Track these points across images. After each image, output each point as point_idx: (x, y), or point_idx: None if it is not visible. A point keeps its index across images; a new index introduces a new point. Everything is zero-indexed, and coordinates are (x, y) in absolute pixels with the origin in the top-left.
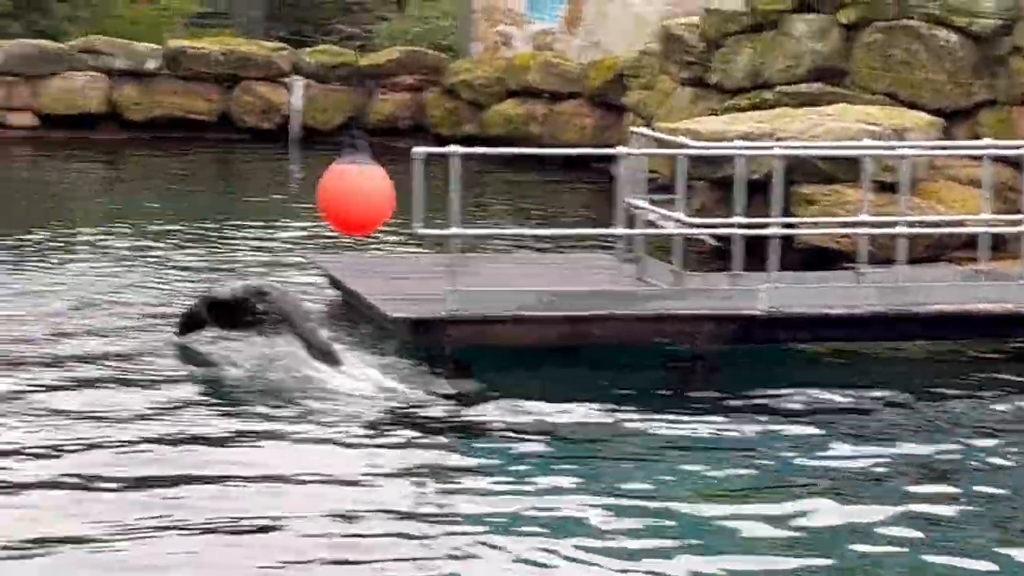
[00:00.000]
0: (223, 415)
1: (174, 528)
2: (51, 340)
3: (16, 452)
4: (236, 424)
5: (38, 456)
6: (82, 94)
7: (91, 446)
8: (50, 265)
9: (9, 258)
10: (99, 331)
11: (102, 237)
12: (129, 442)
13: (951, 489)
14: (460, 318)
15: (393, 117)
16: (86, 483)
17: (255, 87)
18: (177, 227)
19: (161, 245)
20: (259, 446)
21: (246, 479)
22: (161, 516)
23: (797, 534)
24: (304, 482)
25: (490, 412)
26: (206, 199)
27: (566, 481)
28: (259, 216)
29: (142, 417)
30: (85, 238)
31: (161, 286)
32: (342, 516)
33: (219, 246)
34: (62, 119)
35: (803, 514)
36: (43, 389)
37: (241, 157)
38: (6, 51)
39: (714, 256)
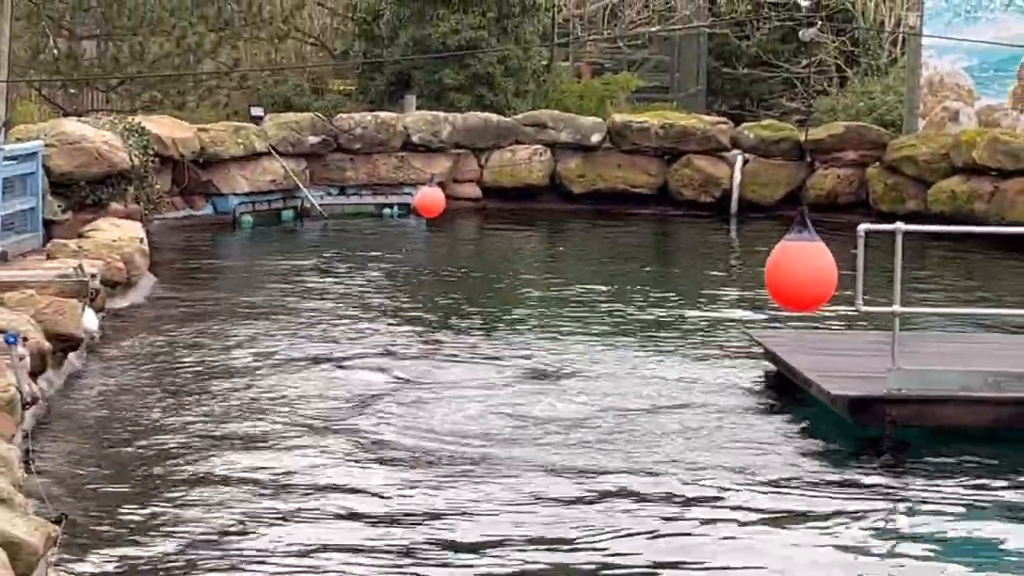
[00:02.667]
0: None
1: None
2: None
3: None
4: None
5: None
6: (527, 167)
7: None
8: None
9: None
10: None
11: (545, 306)
12: None
13: None
14: (901, 397)
15: (834, 192)
16: None
17: (695, 160)
18: (615, 297)
19: (597, 315)
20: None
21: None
22: None
23: None
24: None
25: (922, 494)
26: (644, 270)
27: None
28: (698, 288)
29: None
30: (526, 310)
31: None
32: None
33: (654, 315)
34: (506, 191)
35: None
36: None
37: (680, 230)
38: (455, 124)
39: None
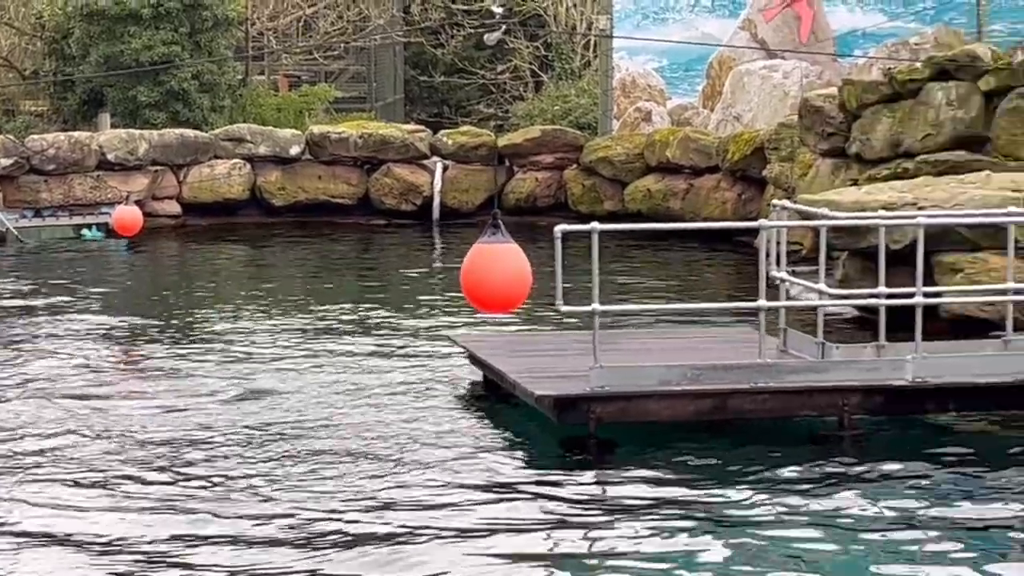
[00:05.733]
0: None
1: None
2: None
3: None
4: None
5: None
6: (226, 181)
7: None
8: (202, 348)
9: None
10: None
11: (249, 322)
12: None
13: None
14: (604, 394)
15: (533, 196)
16: None
17: (395, 169)
18: (320, 309)
19: (303, 327)
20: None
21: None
22: None
23: None
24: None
25: (632, 488)
26: (348, 280)
27: (709, 555)
28: (401, 296)
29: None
30: (232, 324)
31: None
32: None
33: (359, 326)
34: (207, 206)
35: None
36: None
37: (383, 239)
38: (151, 141)
39: (857, 326)
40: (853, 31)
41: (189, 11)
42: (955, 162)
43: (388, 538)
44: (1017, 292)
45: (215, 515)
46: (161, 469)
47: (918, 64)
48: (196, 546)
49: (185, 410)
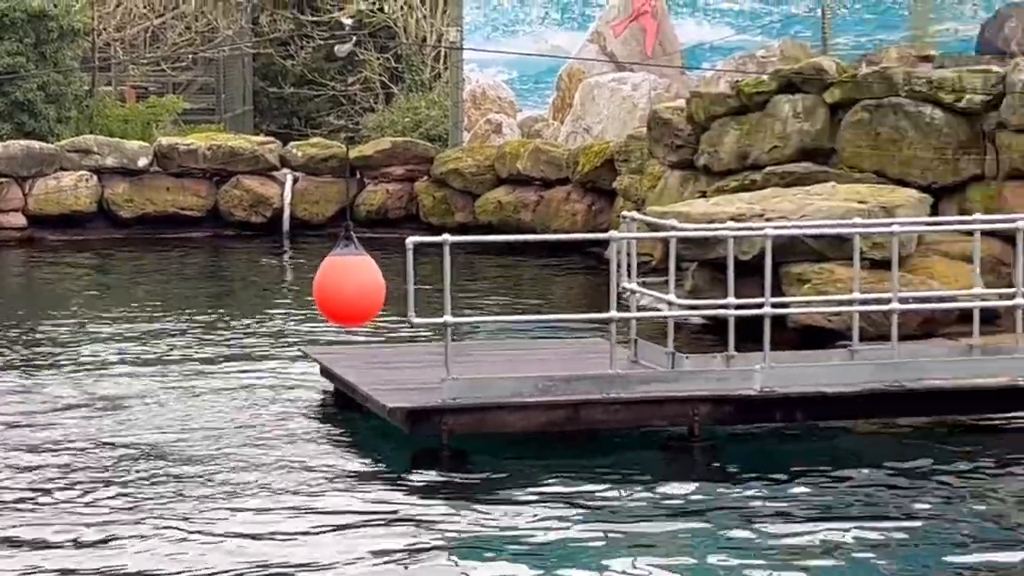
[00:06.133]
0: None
1: None
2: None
3: None
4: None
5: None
6: (73, 193)
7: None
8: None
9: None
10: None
11: (97, 335)
12: None
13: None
14: (457, 406)
15: (384, 207)
16: None
17: (244, 181)
18: (169, 322)
19: (153, 340)
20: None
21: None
22: None
23: None
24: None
25: (485, 499)
26: (198, 293)
27: (559, 566)
28: (252, 308)
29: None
30: (78, 336)
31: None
32: None
33: (211, 339)
34: (53, 219)
35: None
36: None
37: (233, 251)
38: None
39: (708, 337)
40: (701, 44)
41: (34, 22)
42: (802, 174)
43: (235, 551)
44: (863, 302)
45: (36, 540)
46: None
47: (765, 77)
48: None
49: (31, 426)
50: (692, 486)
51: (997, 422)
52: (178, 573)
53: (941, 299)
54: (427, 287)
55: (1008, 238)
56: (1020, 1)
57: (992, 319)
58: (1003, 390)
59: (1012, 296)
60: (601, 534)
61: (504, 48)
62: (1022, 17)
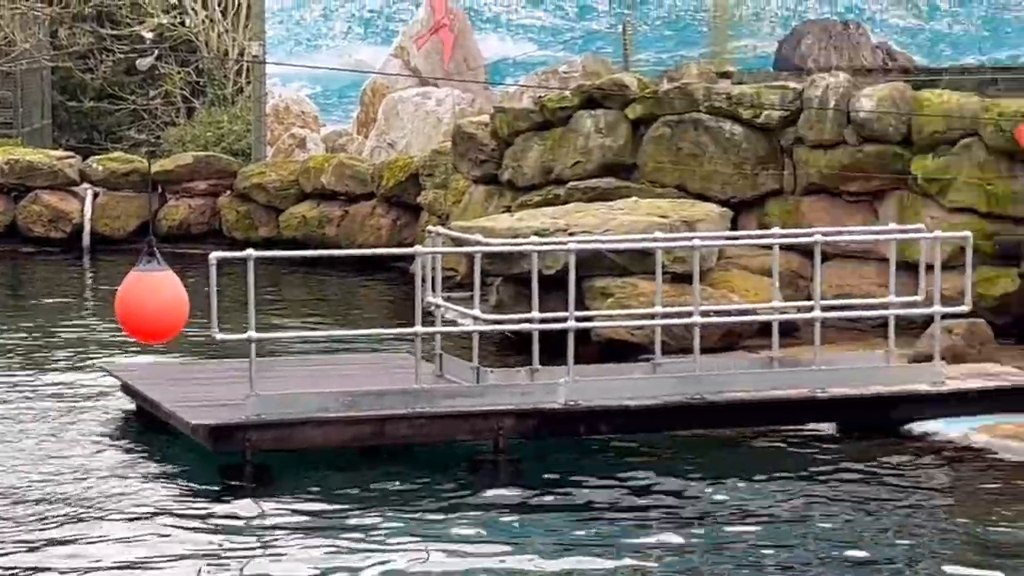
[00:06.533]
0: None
1: None
2: None
3: None
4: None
5: None
6: None
7: None
8: None
9: None
10: None
11: None
12: None
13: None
14: (261, 423)
15: (187, 222)
16: None
17: (43, 196)
18: None
19: None
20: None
21: None
22: None
23: None
24: None
25: (287, 516)
26: None
27: None
28: (52, 326)
29: None
30: None
31: None
32: None
33: (7, 359)
34: None
35: None
36: None
37: (32, 267)
38: None
39: (513, 350)
40: (504, 59)
41: None
42: (604, 188)
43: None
44: (665, 316)
45: None
46: None
47: (567, 92)
48: None
49: None
50: (495, 503)
51: (793, 432)
52: None
53: (741, 312)
54: (232, 303)
55: (806, 252)
56: (816, 19)
57: (791, 332)
58: (801, 402)
59: (810, 309)
60: (403, 548)
61: (307, 63)
62: (818, 34)
